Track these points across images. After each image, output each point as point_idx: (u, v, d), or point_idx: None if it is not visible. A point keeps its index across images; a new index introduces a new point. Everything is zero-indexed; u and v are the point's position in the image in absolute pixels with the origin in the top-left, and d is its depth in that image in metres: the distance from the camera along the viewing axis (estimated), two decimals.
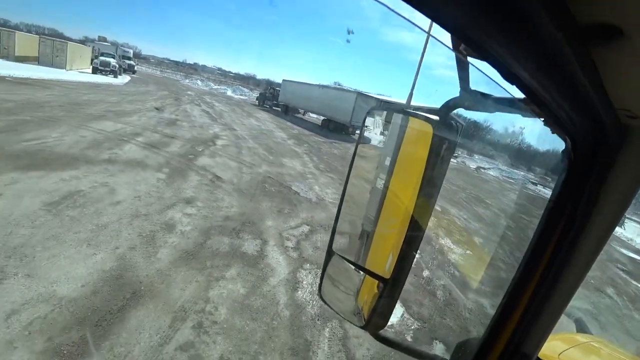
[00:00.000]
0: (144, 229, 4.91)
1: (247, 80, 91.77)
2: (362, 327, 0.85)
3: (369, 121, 0.86)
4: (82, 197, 5.44)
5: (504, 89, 0.59)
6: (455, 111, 0.78)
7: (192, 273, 4.17)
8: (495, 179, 27.51)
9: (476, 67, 0.62)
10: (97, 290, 3.51)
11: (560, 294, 0.82)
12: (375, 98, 27.27)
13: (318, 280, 0.97)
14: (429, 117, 0.71)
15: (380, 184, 0.87)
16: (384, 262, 0.80)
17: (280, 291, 4.30)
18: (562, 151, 0.74)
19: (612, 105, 0.61)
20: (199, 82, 64.21)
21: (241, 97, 52.09)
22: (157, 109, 17.81)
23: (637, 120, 0.63)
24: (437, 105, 0.79)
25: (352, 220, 0.92)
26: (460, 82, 0.70)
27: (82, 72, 29.55)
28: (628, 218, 20.76)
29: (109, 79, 29.03)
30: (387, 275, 0.75)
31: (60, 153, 7.26)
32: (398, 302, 3.12)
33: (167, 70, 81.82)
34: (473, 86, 0.70)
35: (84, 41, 53.03)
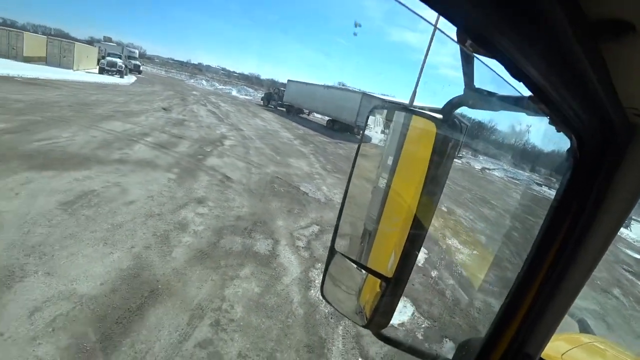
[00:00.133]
0: (158, 229, 4.98)
1: (251, 80, 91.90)
2: (364, 326, 0.85)
3: (371, 120, 0.85)
4: (96, 197, 5.51)
5: (511, 85, 0.60)
6: (460, 111, 0.79)
7: (207, 272, 4.23)
8: (501, 179, 27.43)
9: (483, 62, 0.61)
10: (116, 289, 3.57)
11: (564, 294, 0.82)
12: (380, 98, 27.33)
13: None
14: (432, 116, 0.70)
15: (382, 183, 0.87)
16: (386, 261, 0.79)
17: (294, 290, 4.35)
18: (568, 150, 0.73)
19: (620, 103, 0.61)
20: (203, 82, 64.43)
21: (246, 97, 52.22)
22: (164, 109, 17.93)
23: None
24: (442, 105, 0.79)
25: (355, 219, 0.93)
26: (464, 80, 0.70)
27: (89, 73, 29.79)
28: (634, 219, 20.63)
29: (115, 79, 29.24)
30: (389, 274, 0.75)
31: (72, 153, 7.35)
32: (409, 301, 3.16)
33: (172, 71, 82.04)
34: (477, 84, 0.70)
35: (90, 41, 53.36)
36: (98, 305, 3.31)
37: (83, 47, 33.78)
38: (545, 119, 0.67)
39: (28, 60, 26.27)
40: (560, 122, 0.67)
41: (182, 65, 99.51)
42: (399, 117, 0.87)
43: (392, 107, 0.90)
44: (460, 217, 10.86)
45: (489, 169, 31.34)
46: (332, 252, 0.86)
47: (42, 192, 5.24)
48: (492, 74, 0.58)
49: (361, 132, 0.89)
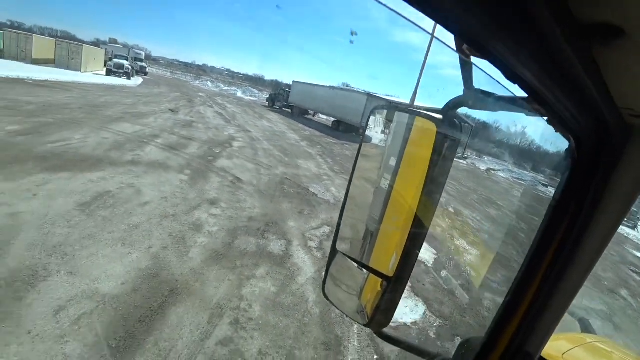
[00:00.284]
0: (173, 229, 5.06)
1: (255, 81, 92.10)
2: (365, 325, 0.86)
3: (372, 120, 0.85)
4: (112, 198, 5.60)
5: (506, 88, 0.61)
6: (463, 112, 0.80)
7: (224, 272, 4.31)
8: (506, 180, 27.33)
9: (479, 68, 0.63)
10: (137, 288, 3.65)
11: (563, 293, 0.82)
12: (386, 99, 27.36)
13: None
14: (432, 116, 0.71)
15: (385, 183, 0.87)
16: (387, 260, 0.80)
17: (309, 289, 4.41)
18: (566, 150, 0.74)
19: (616, 104, 0.61)
20: (209, 83, 64.72)
21: (251, 98, 52.41)
22: (171, 110, 18.07)
23: None
24: (442, 105, 0.80)
25: (356, 219, 0.93)
26: (463, 81, 0.71)
27: (97, 74, 29.99)
28: None
29: (122, 81, 29.44)
30: (390, 274, 0.75)
31: (85, 155, 7.45)
32: (420, 301, 3.21)
33: (177, 72, 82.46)
34: (477, 85, 0.71)
35: (95, 43, 53.59)
36: (120, 304, 3.38)
37: (90, 49, 34.02)
38: (544, 120, 0.69)
39: (37, 62, 26.55)
40: (557, 123, 0.68)
41: (187, 67, 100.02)
42: (400, 117, 0.88)
43: (393, 107, 0.90)
44: (468, 218, 10.88)
45: (494, 170, 31.25)
46: (333, 251, 0.87)
47: (59, 194, 5.33)
48: (489, 74, 0.58)
49: (362, 132, 0.90)
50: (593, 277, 8.36)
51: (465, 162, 30.42)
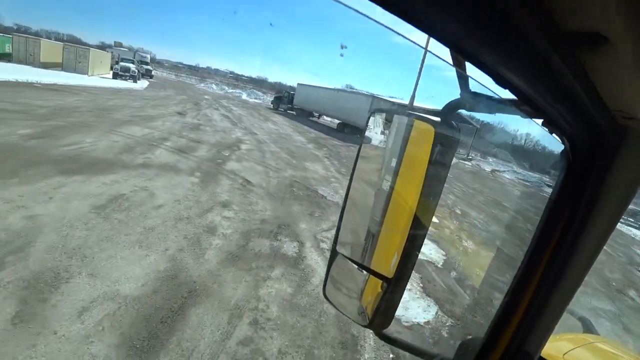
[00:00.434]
0: (188, 232, 5.12)
1: (259, 84, 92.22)
2: (366, 326, 0.85)
3: (371, 122, 0.85)
4: (126, 201, 5.68)
5: (502, 91, 0.61)
6: (467, 114, 0.81)
7: (240, 273, 4.37)
8: (511, 181, 27.25)
9: (473, 73, 0.64)
10: (157, 290, 3.71)
11: (561, 293, 0.82)
12: (390, 101, 27.40)
13: None
14: (430, 119, 0.71)
15: (385, 185, 0.85)
16: (387, 262, 0.79)
17: None
18: (561, 152, 0.75)
19: (607, 107, 0.61)
20: (214, 86, 64.99)
21: (256, 100, 52.62)
22: (179, 113, 18.20)
23: (633, 120, 0.64)
24: (441, 106, 0.81)
25: (356, 220, 0.93)
26: (460, 83, 0.72)
27: (103, 78, 30.23)
28: None
29: (129, 84, 29.66)
30: (390, 275, 0.75)
31: (98, 158, 7.54)
32: (432, 301, 3.25)
33: (182, 75, 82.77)
34: (473, 88, 0.72)
35: (101, 47, 54.02)
36: (142, 305, 3.44)
37: (97, 52, 34.30)
38: (540, 122, 0.70)
39: (45, 66, 26.78)
40: (550, 126, 0.68)
41: (192, 69, 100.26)
42: (399, 119, 0.87)
43: (392, 109, 0.90)
44: (475, 219, 10.90)
45: (499, 171, 31.16)
46: (333, 253, 0.87)
47: (75, 196, 5.41)
48: (484, 78, 0.57)
49: (362, 134, 0.91)
50: (601, 279, 8.36)
51: (470, 164, 30.37)
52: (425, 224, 0.74)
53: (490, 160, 36.90)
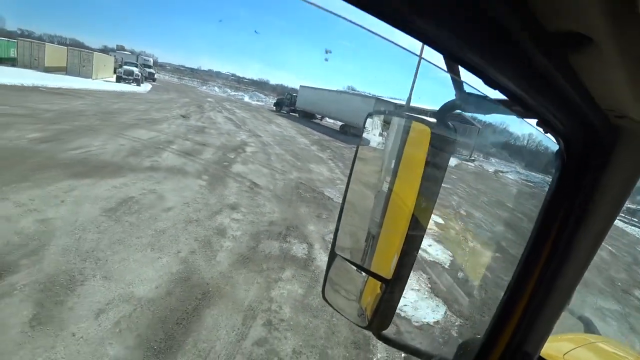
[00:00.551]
0: (198, 234, 5.17)
1: (261, 86, 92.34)
2: (365, 328, 0.86)
3: (369, 123, 0.84)
4: (136, 204, 5.72)
5: (495, 94, 0.63)
6: (469, 115, 0.79)
7: (252, 275, 4.40)
8: (514, 182, 27.22)
9: (465, 82, 0.67)
10: (171, 292, 3.75)
11: (559, 293, 0.82)
12: (393, 103, 27.42)
13: None
14: (426, 120, 0.71)
15: (385, 187, 0.86)
16: (386, 263, 0.78)
17: None
18: (556, 152, 0.75)
19: (599, 106, 0.61)
20: (216, 88, 65.23)
21: (258, 103, 52.74)
22: (183, 116, 18.29)
23: (625, 119, 0.63)
24: (439, 106, 0.81)
25: (355, 221, 0.94)
26: (454, 85, 0.72)
27: (107, 81, 30.33)
28: None
29: (132, 88, 29.81)
30: (388, 276, 0.75)
31: (106, 161, 7.60)
32: (440, 301, 3.28)
33: (184, 78, 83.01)
34: (468, 89, 0.72)
35: (104, 50, 54.22)
36: (157, 307, 3.48)
37: (101, 56, 34.44)
38: (535, 123, 0.70)
39: (49, 70, 26.92)
40: (544, 126, 0.69)
41: (194, 72, 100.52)
42: (396, 121, 0.88)
43: (389, 111, 0.91)
44: (479, 220, 10.92)
45: (502, 172, 31.13)
46: (332, 255, 0.87)
47: (85, 200, 5.46)
48: (478, 80, 0.58)
49: (361, 136, 0.91)
50: (607, 279, 8.37)
51: (473, 165, 30.36)
52: (423, 224, 0.75)
53: (493, 160, 36.87)
